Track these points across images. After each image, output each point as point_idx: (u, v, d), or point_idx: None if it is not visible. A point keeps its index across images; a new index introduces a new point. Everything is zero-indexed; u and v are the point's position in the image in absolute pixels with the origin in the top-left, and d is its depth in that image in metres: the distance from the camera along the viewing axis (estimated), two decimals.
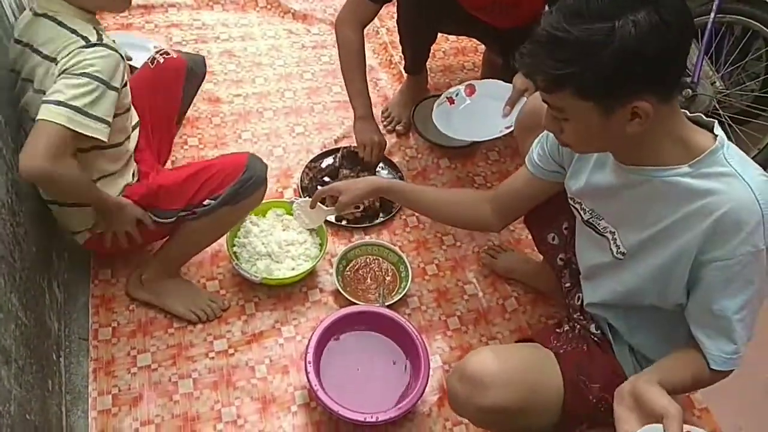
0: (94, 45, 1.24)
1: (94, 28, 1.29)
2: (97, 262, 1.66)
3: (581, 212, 1.21)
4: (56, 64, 1.23)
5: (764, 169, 1.80)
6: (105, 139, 1.25)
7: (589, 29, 0.87)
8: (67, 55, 1.23)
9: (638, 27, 0.86)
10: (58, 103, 1.18)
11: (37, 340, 1.28)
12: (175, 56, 1.68)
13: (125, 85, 1.36)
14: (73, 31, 1.25)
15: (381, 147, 1.90)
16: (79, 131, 1.19)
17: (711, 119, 1.02)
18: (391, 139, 2.09)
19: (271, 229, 1.68)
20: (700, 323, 1.04)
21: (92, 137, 1.22)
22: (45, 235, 1.49)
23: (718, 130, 1.00)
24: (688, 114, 1.02)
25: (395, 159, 2.01)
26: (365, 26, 1.84)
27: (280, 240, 1.65)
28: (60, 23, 1.26)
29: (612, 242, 1.14)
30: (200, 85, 1.89)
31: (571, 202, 1.23)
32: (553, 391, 1.14)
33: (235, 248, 1.64)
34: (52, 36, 1.26)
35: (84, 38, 1.25)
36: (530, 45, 0.93)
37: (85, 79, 1.21)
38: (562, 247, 1.38)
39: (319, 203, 1.62)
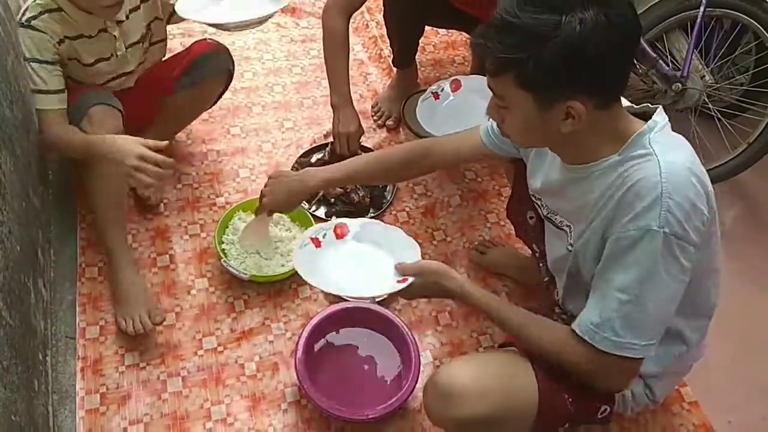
0: (21, 26, 1.46)
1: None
2: (85, 260, 1.64)
3: (541, 208, 1.25)
4: None
5: (755, 161, 1.83)
6: (54, 107, 1.51)
7: (537, 19, 0.89)
8: None
9: (584, 25, 0.87)
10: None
11: (23, 340, 1.26)
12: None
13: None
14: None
15: (355, 136, 1.84)
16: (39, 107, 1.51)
17: (656, 105, 1.02)
18: (381, 134, 2.08)
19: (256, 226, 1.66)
20: (592, 290, 1.06)
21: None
22: (30, 234, 1.47)
23: (658, 115, 1.01)
24: (634, 108, 1.04)
25: None
26: (351, 15, 1.82)
27: (269, 237, 1.64)
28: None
29: (568, 235, 1.16)
30: (222, 91, 1.85)
31: (533, 198, 1.26)
32: (529, 398, 1.10)
33: (223, 245, 1.63)
34: None
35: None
36: (483, 26, 0.95)
37: (28, 67, 1.49)
38: (533, 237, 1.38)
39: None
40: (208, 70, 1.73)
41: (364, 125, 2.08)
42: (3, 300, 1.20)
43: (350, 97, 1.86)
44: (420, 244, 1.75)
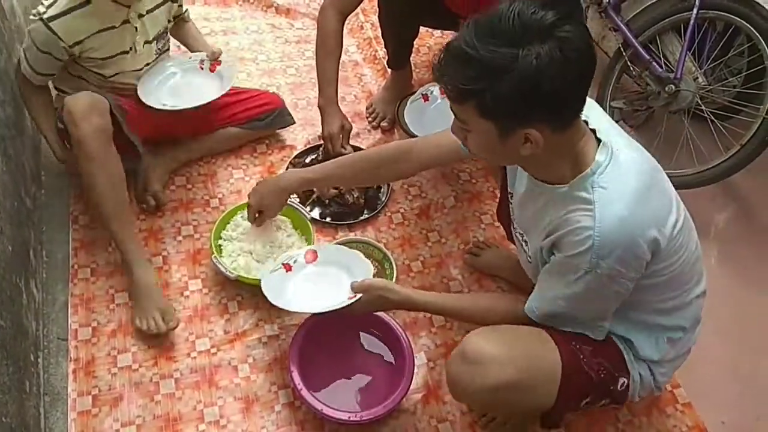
0: (40, 19, 1.46)
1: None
2: (78, 262, 1.63)
3: (512, 218, 1.32)
4: None
5: (748, 163, 1.83)
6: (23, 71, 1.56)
7: (495, 52, 0.92)
8: None
9: (539, 59, 0.90)
10: None
11: (14, 341, 1.26)
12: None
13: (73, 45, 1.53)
14: None
15: (340, 135, 1.84)
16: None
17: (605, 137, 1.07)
18: (375, 135, 2.08)
19: (264, 227, 1.65)
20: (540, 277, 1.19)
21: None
22: (22, 234, 1.46)
23: (601, 153, 1.05)
24: (590, 125, 1.09)
25: None
26: (347, 15, 1.82)
27: (266, 240, 1.63)
28: None
29: (527, 249, 1.24)
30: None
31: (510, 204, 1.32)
32: (552, 362, 1.15)
33: (220, 241, 1.62)
34: None
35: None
36: (445, 55, 0.98)
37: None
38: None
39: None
40: (281, 121, 1.97)
41: (358, 127, 2.09)
42: None
43: (335, 97, 1.85)
44: (414, 246, 1.78)
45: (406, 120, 1.96)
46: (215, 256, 1.56)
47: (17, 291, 1.34)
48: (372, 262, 1.70)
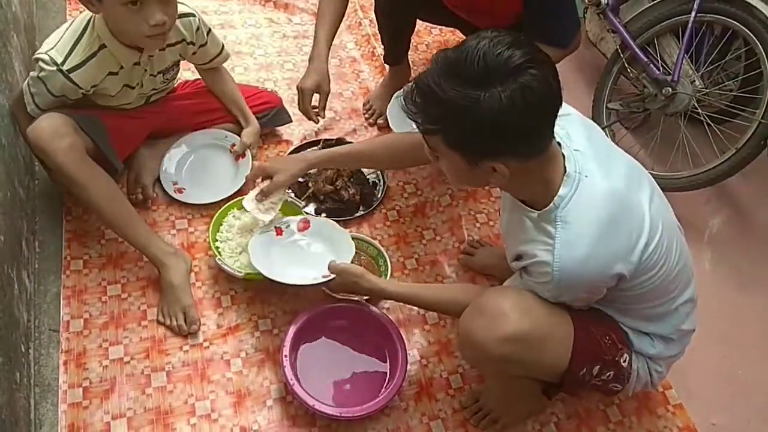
0: (59, 70, 1.44)
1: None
2: (70, 253, 1.62)
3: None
4: None
5: (743, 167, 1.84)
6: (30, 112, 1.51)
7: (459, 93, 0.96)
8: None
9: (501, 103, 0.94)
10: None
11: (5, 331, 1.25)
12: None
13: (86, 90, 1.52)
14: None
15: (320, 96, 1.80)
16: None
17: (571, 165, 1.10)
18: (372, 132, 2.08)
19: (255, 223, 1.65)
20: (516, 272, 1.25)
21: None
22: (15, 224, 1.45)
23: (564, 186, 1.08)
24: (565, 146, 1.12)
25: None
26: None
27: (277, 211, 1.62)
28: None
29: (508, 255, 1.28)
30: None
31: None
32: (566, 321, 1.18)
33: (217, 243, 1.61)
34: None
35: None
36: (413, 90, 1.03)
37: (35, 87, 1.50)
38: None
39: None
40: (278, 119, 1.98)
41: (356, 123, 2.09)
42: None
43: (326, 51, 1.78)
44: (409, 243, 1.78)
45: (387, 116, 1.95)
46: (219, 259, 1.55)
47: (9, 281, 1.33)
48: (367, 258, 1.70)
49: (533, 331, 1.13)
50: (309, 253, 1.56)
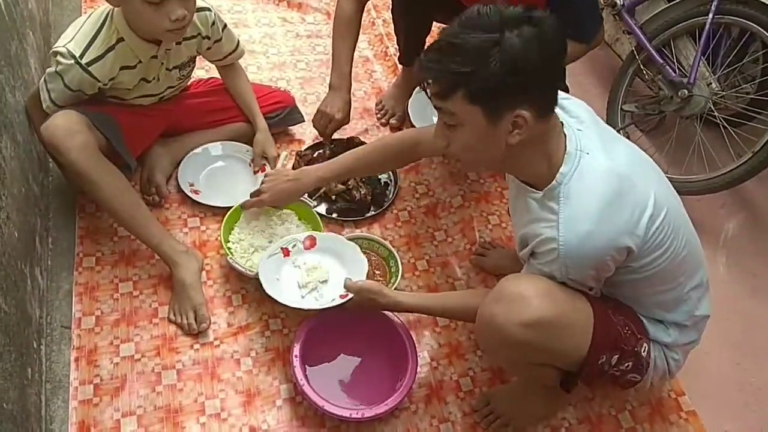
0: (77, 63, 1.44)
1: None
2: (83, 250, 1.63)
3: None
4: None
5: (760, 171, 1.81)
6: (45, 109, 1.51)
7: (479, 37, 0.99)
8: None
9: (522, 38, 0.98)
10: None
11: (17, 328, 1.25)
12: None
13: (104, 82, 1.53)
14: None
15: (338, 123, 1.82)
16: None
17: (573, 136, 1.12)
18: (384, 132, 2.07)
19: (267, 222, 1.66)
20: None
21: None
22: (28, 221, 1.46)
23: (566, 164, 1.10)
24: (568, 122, 1.14)
25: None
26: (365, 2, 1.79)
27: (275, 234, 1.63)
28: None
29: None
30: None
31: None
32: (586, 307, 1.18)
33: (229, 244, 1.60)
34: None
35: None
36: (432, 52, 1.05)
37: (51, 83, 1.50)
38: None
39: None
40: (290, 119, 1.98)
41: (368, 123, 2.09)
42: None
43: (349, 81, 1.82)
44: (420, 244, 1.77)
45: (409, 111, 1.97)
46: (231, 258, 1.54)
47: (22, 277, 1.34)
48: (377, 259, 1.70)
49: (554, 316, 1.12)
50: (321, 273, 1.52)
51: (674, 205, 1.20)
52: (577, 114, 1.18)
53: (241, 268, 1.54)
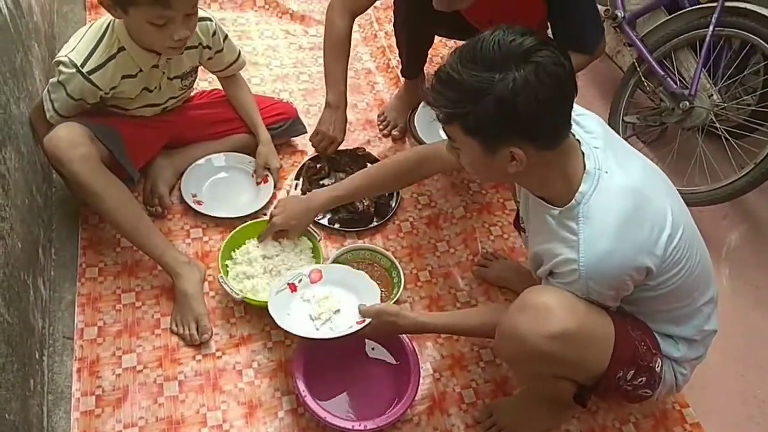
0: (79, 72, 1.46)
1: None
2: (86, 260, 1.63)
3: (521, 224, 1.35)
4: None
5: (762, 182, 1.81)
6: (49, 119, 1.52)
7: (476, 76, 0.99)
8: None
9: (515, 82, 0.97)
10: None
11: (20, 338, 1.25)
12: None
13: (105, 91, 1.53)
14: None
15: (335, 142, 1.85)
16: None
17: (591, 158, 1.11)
18: (386, 144, 2.08)
19: (267, 250, 1.63)
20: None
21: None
22: (32, 231, 1.46)
23: (585, 183, 1.09)
24: (584, 141, 1.13)
25: None
26: (356, 16, 1.81)
27: (276, 266, 1.60)
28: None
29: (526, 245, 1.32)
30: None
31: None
32: (607, 321, 1.17)
33: (227, 262, 1.59)
34: None
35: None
36: (434, 79, 1.06)
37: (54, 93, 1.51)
38: None
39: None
40: (293, 131, 1.99)
41: (370, 134, 2.10)
42: (2, 297, 1.19)
43: (345, 99, 1.83)
44: (423, 255, 1.77)
45: (416, 126, 1.99)
46: (221, 276, 1.53)
47: (25, 288, 1.34)
48: (380, 270, 1.70)
49: (579, 330, 1.11)
50: (333, 303, 1.46)
51: (688, 221, 1.20)
52: (592, 129, 1.17)
53: (228, 289, 1.50)
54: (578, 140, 1.13)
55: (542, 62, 0.98)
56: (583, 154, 1.12)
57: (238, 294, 1.50)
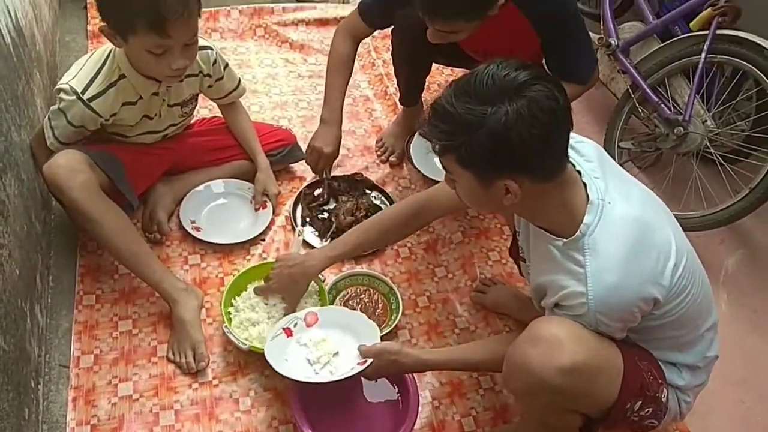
0: (79, 98, 1.48)
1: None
2: (83, 288, 1.62)
3: (521, 254, 1.35)
4: None
5: (757, 207, 1.82)
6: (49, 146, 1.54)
7: (469, 109, 1.00)
8: None
9: (508, 116, 0.98)
10: None
11: (15, 366, 1.24)
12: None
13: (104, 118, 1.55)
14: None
15: (328, 158, 1.84)
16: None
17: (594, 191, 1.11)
18: (384, 169, 2.09)
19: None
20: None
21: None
22: (30, 258, 1.46)
23: (589, 214, 1.09)
24: (584, 172, 1.13)
25: (388, 189, 2.00)
26: (359, 40, 1.85)
27: (279, 312, 1.55)
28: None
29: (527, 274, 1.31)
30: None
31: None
32: (616, 352, 1.16)
33: (229, 309, 1.55)
34: None
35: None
36: (430, 112, 1.07)
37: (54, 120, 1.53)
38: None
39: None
40: (292, 157, 1.99)
41: (368, 160, 2.11)
42: None
43: (340, 115, 1.85)
44: (421, 280, 1.77)
45: (411, 154, 2.01)
46: (226, 326, 1.49)
47: (22, 315, 1.34)
48: (378, 296, 1.69)
49: (589, 362, 1.10)
50: (331, 346, 1.42)
51: (690, 248, 1.20)
52: (591, 158, 1.17)
53: (234, 339, 1.47)
54: (579, 171, 1.13)
55: (535, 96, 0.99)
56: (585, 184, 1.12)
57: (244, 344, 1.46)
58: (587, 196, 1.11)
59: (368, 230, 1.54)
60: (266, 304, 1.56)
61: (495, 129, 0.99)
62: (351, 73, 1.86)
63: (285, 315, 1.50)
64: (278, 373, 1.33)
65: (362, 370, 1.33)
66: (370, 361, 1.33)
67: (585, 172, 1.14)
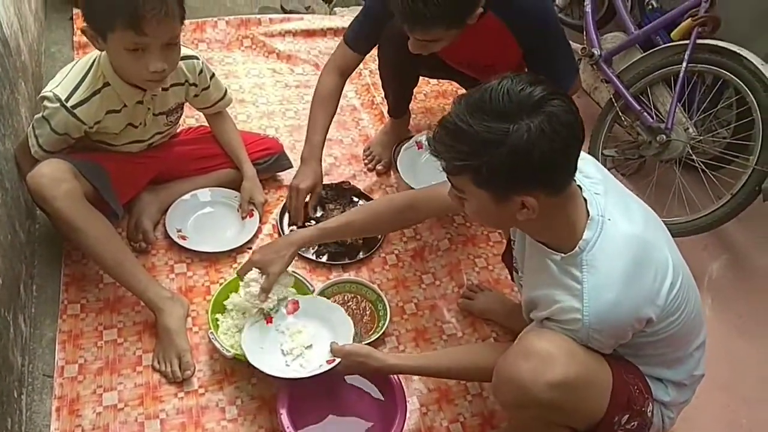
0: (63, 106, 1.47)
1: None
2: (68, 297, 1.61)
3: (515, 264, 1.34)
4: None
5: (739, 212, 1.85)
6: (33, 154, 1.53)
7: (488, 127, 0.97)
8: None
9: (530, 133, 0.96)
10: None
11: None
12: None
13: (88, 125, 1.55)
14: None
15: (303, 192, 1.80)
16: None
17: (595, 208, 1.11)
18: (371, 178, 2.10)
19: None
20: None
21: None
22: (14, 268, 1.45)
23: (589, 230, 1.09)
24: (586, 188, 1.13)
25: (375, 197, 2.00)
26: (347, 75, 1.86)
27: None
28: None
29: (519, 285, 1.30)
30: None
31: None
32: (605, 365, 1.15)
33: (217, 315, 1.54)
34: None
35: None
36: (439, 130, 1.03)
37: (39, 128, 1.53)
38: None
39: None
40: (278, 165, 2.00)
41: (355, 168, 2.12)
42: None
43: (320, 151, 1.84)
44: (408, 287, 1.77)
45: (398, 167, 2.01)
46: (211, 332, 1.48)
47: (5, 325, 1.32)
48: (365, 303, 1.69)
49: (579, 377, 1.09)
50: (306, 338, 1.47)
51: (686, 268, 1.21)
52: (592, 174, 1.17)
53: (218, 345, 1.46)
54: (579, 186, 1.13)
55: (555, 111, 0.98)
56: (585, 200, 1.12)
57: (229, 351, 1.45)
58: (587, 212, 1.11)
59: (359, 211, 1.54)
60: (246, 292, 1.49)
61: (518, 146, 0.96)
62: (335, 109, 1.87)
63: (263, 291, 1.47)
64: (249, 363, 1.36)
65: (330, 369, 1.36)
66: (338, 361, 1.36)
67: (585, 188, 1.13)
